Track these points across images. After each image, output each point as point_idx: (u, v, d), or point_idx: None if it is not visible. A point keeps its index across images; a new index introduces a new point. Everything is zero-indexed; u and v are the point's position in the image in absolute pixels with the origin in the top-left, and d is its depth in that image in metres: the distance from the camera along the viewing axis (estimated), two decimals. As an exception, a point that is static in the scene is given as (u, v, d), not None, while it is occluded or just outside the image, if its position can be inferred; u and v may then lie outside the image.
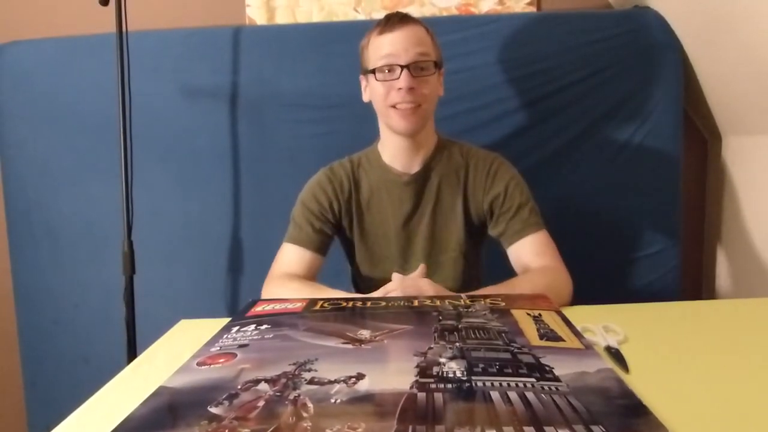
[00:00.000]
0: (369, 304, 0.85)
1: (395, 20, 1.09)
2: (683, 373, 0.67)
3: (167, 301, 1.56)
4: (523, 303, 0.83)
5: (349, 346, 0.65)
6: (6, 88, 1.59)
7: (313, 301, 0.87)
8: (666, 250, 1.56)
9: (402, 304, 0.84)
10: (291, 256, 1.15)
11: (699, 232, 1.78)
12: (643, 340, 0.77)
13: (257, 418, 0.48)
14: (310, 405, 0.50)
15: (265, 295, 1.10)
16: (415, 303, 0.84)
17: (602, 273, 1.55)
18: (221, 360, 0.63)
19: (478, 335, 0.67)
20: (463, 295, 0.89)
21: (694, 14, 1.43)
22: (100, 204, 1.57)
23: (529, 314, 0.77)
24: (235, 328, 0.75)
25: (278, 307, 0.85)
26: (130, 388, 0.69)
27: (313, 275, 1.15)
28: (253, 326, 0.75)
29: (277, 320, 0.77)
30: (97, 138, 1.55)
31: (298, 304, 0.85)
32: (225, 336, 0.72)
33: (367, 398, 0.51)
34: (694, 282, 1.78)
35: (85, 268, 1.61)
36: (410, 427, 0.46)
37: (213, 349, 0.67)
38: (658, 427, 0.47)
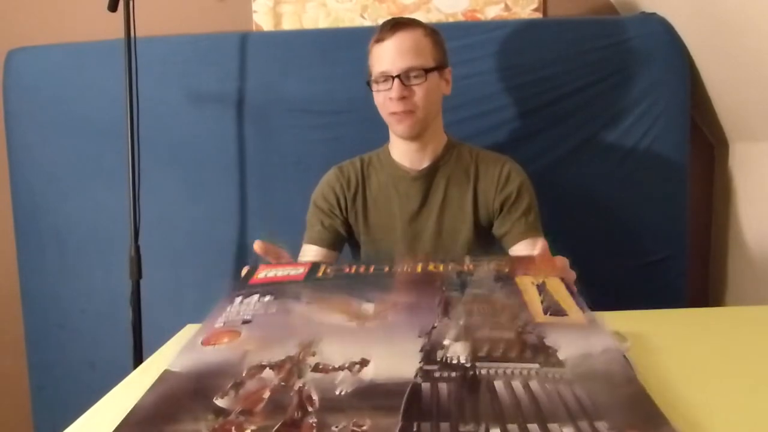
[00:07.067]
0: (372, 269, 0.84)
1: (387, 28, 1.11)
2: (690, 380, 0.66)
3: (174, 305, 1.57)
4: (527, 268, 0.82)
5: (353, 324, 0.66)
6: (14, 94, 1.60)
7: (315, 268, 0.86)
8: (673, 256, 1.56)
9: (406, 269, 0.84)
10: (307, 255, 1.19)
11: (706, 238, 1.77)
12: (650, 347, 0.77)
13: (263, 413, 0.49)
14: (315, 398, 0.51)
15: None
16: (419, 269, 0.83)
17: (608, 280, 1.54)
18: (225, 339, 0.64)
19: (482, 310, 0.68)
20: (467, 258, 0.87)
21: (701, 20, 1.43)
22: (107, 209, 1.58)
23: (533, 282, 0.77)
24: (239, 299, 0.76)
25: (280, 273, 0.85)
26: (137, 393, 0.69)
27: None
28: (256, 297, 0.76)
29: (279, 289, 0.78)
30: (104, 143, 1.56)
31: (301, 270, 0.85)
32: (229, 308, 0.74)
33: (371, 389, 0.52)
34: (700, 289, 1.77)
35: (92, 272, 1.62)
36: (415, 424, 0.47)
37: (217, 325, 0.69)
38: (660, 416, 0.48)
